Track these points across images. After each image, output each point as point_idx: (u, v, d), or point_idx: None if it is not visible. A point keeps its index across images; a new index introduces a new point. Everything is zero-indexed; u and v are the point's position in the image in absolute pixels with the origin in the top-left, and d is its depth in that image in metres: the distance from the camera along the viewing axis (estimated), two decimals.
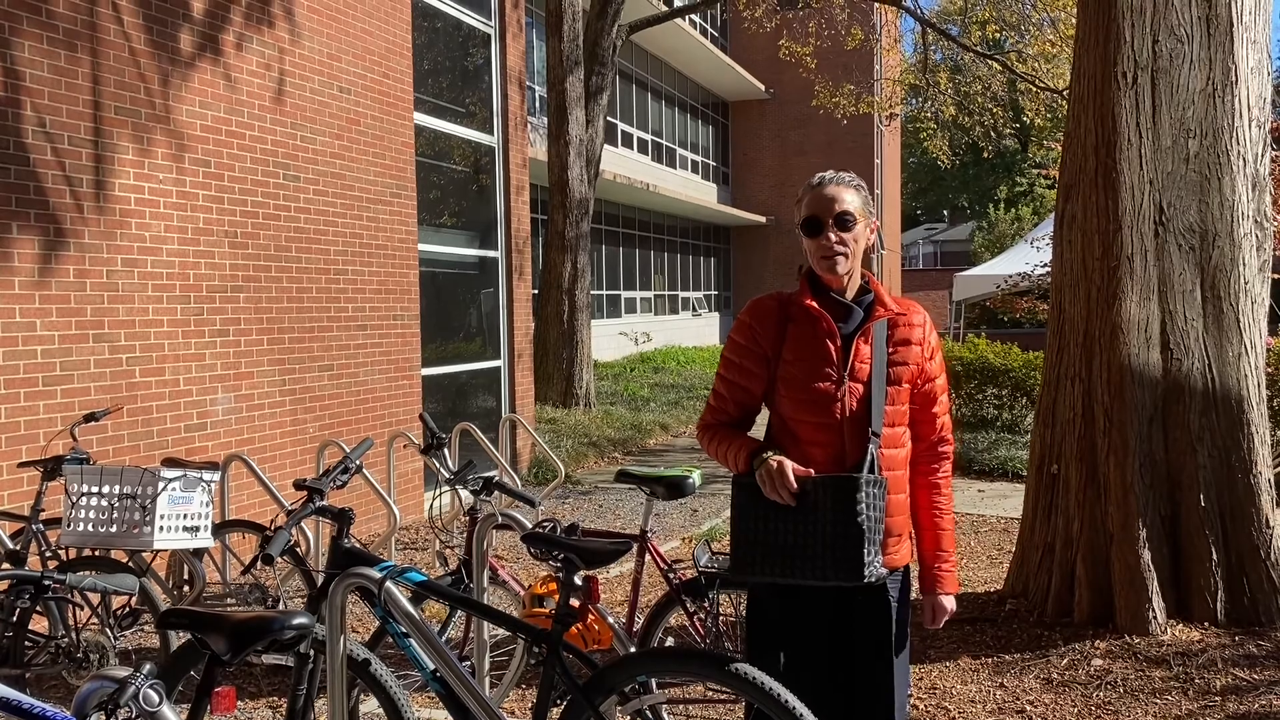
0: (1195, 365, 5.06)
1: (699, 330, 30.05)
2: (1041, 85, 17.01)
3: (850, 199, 2.57)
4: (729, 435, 2.65)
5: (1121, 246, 5.09)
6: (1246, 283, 5.13)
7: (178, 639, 4.18)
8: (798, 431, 2.57)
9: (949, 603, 2.72)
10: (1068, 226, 5.37)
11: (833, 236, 2.54)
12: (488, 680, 3.83)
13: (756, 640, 2.65)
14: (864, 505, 2.42)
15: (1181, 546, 5.02)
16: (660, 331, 26.64)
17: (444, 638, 4.31)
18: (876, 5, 26.86)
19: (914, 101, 22.49)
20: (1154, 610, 4.89)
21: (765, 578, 2.52)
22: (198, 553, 4.80)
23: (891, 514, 2.60)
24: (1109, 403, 5.08)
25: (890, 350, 2.60)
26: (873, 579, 2.44)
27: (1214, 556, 4.95)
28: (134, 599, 4.37)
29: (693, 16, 28.53)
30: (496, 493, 3.97)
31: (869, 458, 2.51)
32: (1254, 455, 5.02)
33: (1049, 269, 14.95)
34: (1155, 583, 4.92)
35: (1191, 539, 4.98)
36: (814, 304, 2.57)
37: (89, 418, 4.84)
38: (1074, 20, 15.42)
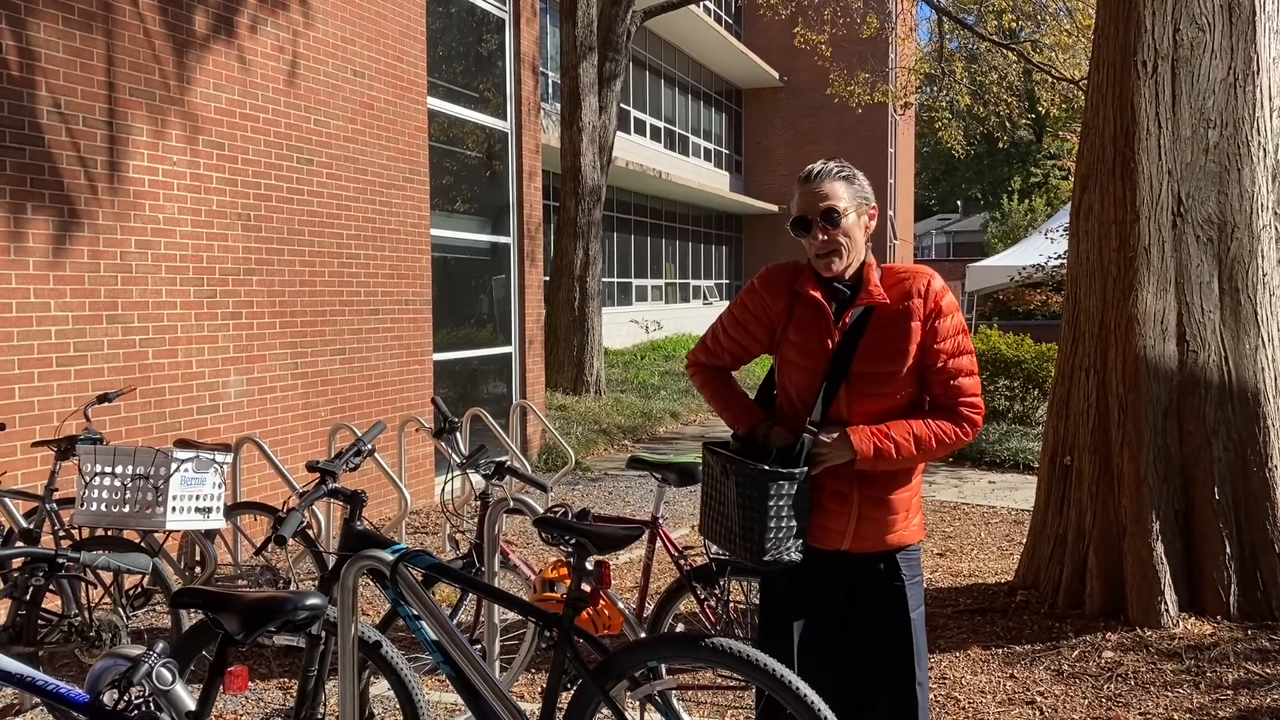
0: (1211, 358, 5.02)
1: (710, 318, 30.00)
2: (1058, 75, 16.88)
3: (839, 191, 2.54)
4: (733, 398, 2.75)
5: (1139, 237, 5.05)
6: (1265, 275, 5.08)
7: (190, 619, 4.20)
8: (795, 394, 2.64)
9: (838, 436, 2.52)
10: (1084, 217, 5.34)
11: (821, 236, 2.53)
12: (498, 664, 3.84)
13: (768, 623, 2.66)
14: (774, 495, 2.47)
15: (1194, 540, 4.99)
16: (671, 319, 26.62)
17: (455, 621, 4.32)
18: None
19: (929, 91, 22.36)
20: (1166, 603, 4.87)
21: (712, 542, 2.66)
22: (209, 534, 4.82)
23: (894, 491, 2.59)
24: (1124, 395, 5.05)
25: (869, 339, 2.56)
26: (785, 560, 2.50)
27: (1227, 550, 4.92)
28: (146, 579, 4.39)
29: (707, 3, 28.40)
30: (508, 477, 3.97)
31: (802, 446, 2.53)
32: (1270, 449, 4.99)
33: (1063, 261, 14.89)
34: (1168, 576, 4.90)
35: (1205, 532, 4.96)
36: (816, 294, 2.58)
37: (102, 398, 4.86)
38: (1091, 10, 15.30)
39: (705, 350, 2.80)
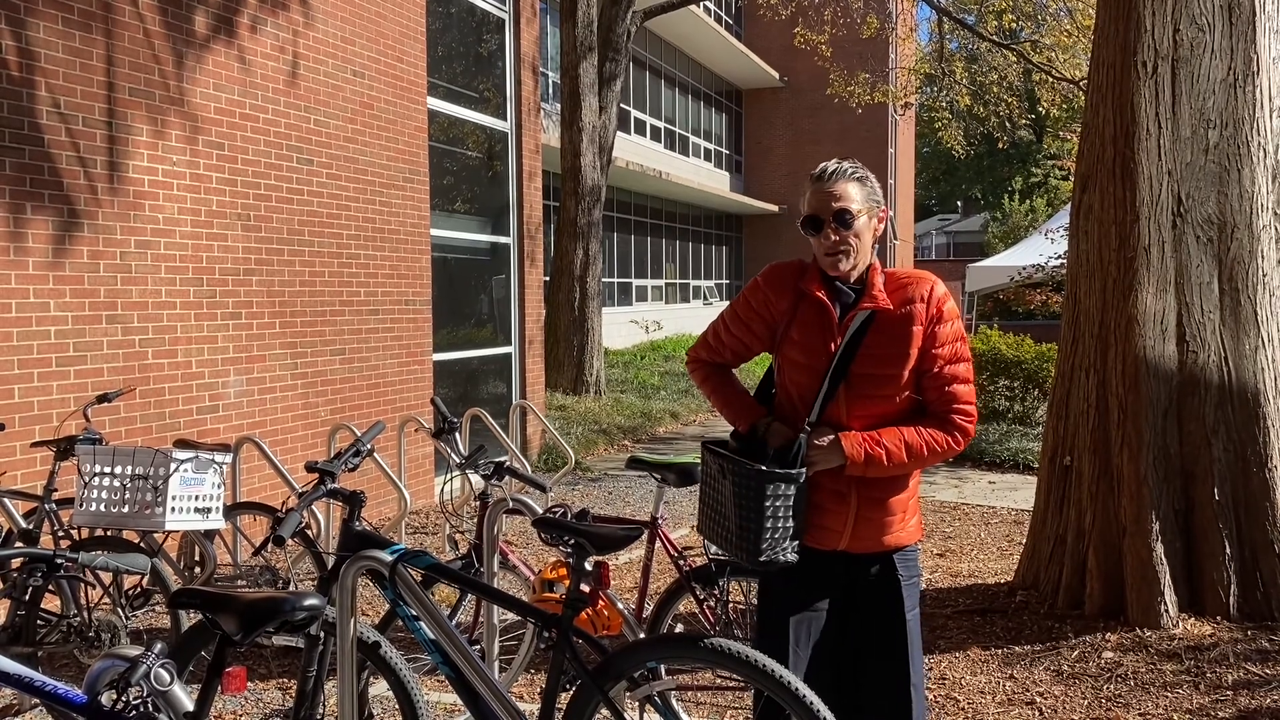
0: (1211, 358, 5.02)
1: (710, 319, 29.99)
2: (1058, 75, 16.88)
3: (852, 193, 2.54)
4: (734, 395, 2.75)
5: (1139, 238, 5.05)
6: (1265, 275, 5.08)
7: (189, 619, 4.20)
8: (795, 393, 2.64)
9: (830, 441, 2.53)
10: (1084, 217, 5.33)
11: (833, 236, 2.54)
12: (497, 664, 3.83)
13: (766, 623, 2.66)
14: (771, 496, 2.47)
15: (1194, 540, 4.99)
16: (671, 320, 26.61)
17: (454, 621, 4.32)
18: None
19: (929, 91, 22.36)
20: (1166, 604, 4.86)
21: (710, 542, 2.66)
22: (209, 534, 4.82)
23: (892, 492, 2.61)
24: (1123, 395, 5.04)
25: (870, 342, 2.57)
26: (781, 561, 2.50)
27: (1227, 550, 4.92)
28: (145, 579, 4.38)
29: (707, 3, 28.39)
30: (507, 478, 3.97)
31: (798, 447, 2.53)
32: (1270, 449, 4.98)
33: (1063, 261, 14.89)
34: (1167, 576, 4.89)
35: (1205, 533, 4.95)
36: (821, 294, 2.57)
37: (102, 399, 4.85)
38: (1091, 10, 15.29)
39: (706, 347, 2.81)
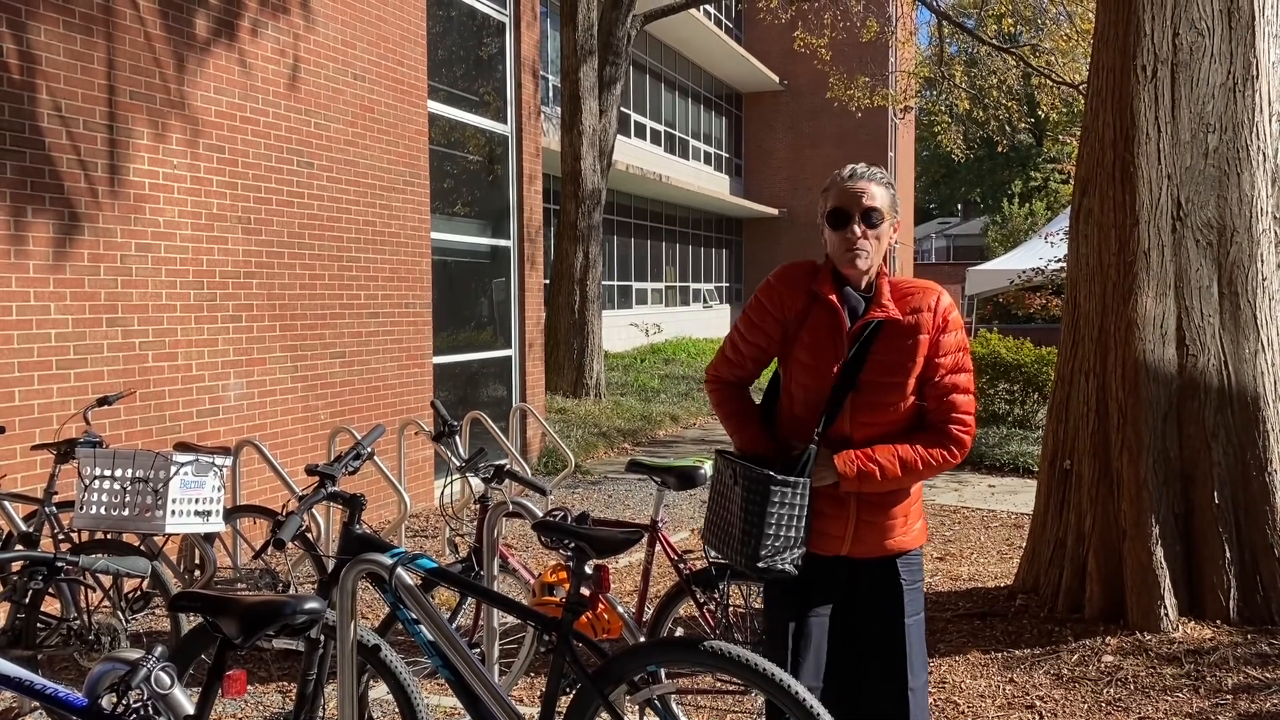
0: (1211, 362, 5.02)
1: (710, 322, 30.00)
2: (1057, 79, 16.89)
3: (879, 195, 2.58)
4: (743, 425, 2.73)
5: (1138, 241, 5.06)
6: (1265, 279, 5.08)
7: (189, 622, 4.20)
8: (800, 397, 2.64)
9: (829, 459, 2.56)
10: (1084, 221, 5.34)
11: (858, 230, 2.56)
12: (497, 668, 3.83)
13: (772, 627, 2.67)
14: (776, 503, 2.49)
15: (1194, 544, 4.99)
16: (671, 323, 26.62)
17: (454, 625, 4.32)
18: None
19: (928, 94, 22.38)
20: (1166, 607, 4.86)
21: (713, 549, 2.68)
22: (209, 537, 4.82)
23: (892, 497, 2.62)
24: (1123, 398, 5.05)
25: (879, 349, 2.59)
26: (778, 569, 2.52)
27: (1227, 554, 4.92)
28: (145, 582, 4.38)
29: (707, 7, 28.41)
30: (507, 481, 3.97)
31: (807, 456, 2.55)
32: (1269, 453, 4.98)
33: (1063, 264, 14.89)
34: (1167, 580, 4.89)
35: (1205, 536, 4.95)
36: (834, 298, 2.58)
37: (102, 401, 4.86)
38: (1091, 14, 15.31)
39: (726, 362, 2.77)
